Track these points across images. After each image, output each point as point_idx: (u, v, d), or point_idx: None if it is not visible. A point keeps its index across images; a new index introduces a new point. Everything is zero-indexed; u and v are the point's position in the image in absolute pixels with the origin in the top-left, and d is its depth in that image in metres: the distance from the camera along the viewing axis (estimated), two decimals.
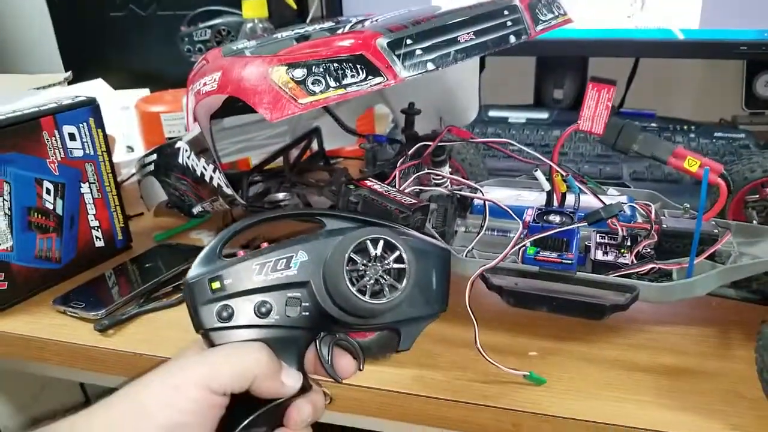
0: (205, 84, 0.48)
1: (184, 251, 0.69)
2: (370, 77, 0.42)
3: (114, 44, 1.19)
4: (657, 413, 0.44)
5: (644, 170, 0.77)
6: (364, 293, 0.37)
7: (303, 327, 0.39)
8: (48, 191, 0.62)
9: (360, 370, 0.42)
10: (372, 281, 0.38)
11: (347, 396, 0.49)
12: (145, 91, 1.11)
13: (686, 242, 0.49)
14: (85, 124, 0.65)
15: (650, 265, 0.48)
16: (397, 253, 0.38)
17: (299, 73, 0.41)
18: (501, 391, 0.47)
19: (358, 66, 0.42)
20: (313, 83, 0.41)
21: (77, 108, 0.65)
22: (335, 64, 0.41)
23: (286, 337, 0.38)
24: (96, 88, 1.13)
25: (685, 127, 0.84)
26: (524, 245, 0.50)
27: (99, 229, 0.68)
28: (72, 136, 0.64)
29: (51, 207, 0.63)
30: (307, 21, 0.63)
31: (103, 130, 0.67)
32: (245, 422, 0.37)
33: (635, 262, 0.49)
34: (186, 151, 0.62)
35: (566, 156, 0.81)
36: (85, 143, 0.65)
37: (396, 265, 0.38)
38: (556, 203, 0.54)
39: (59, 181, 0.63)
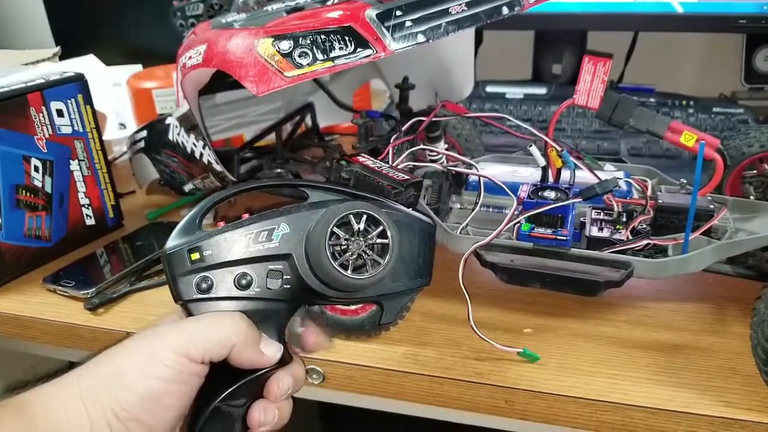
0: (190, 57, 0.47)
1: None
2: (359, 50, 0.41)
3: (106, 19, 1.17)
4: (651, 390, 0.44)
5: (642, 146, 0.76)
6: (346, 268, 0.37)
7: (284, 300, 0.38)
8: (36, 169, 0.61)
9: (329, 344, 0.43)
10: (354, 256, 0.37)
11: (341, 374, 0.49)
12: (137, 67, 1.10)
13: (682, 218, 0.48)
14: (73, 100, 0.64)
15: (645, 241, 0.47)
16: (380, 228, 0.38)
17: (285, 45, 0.40)
18: (495, 368, 0.47)
19: (347, 38, 0.41)
20: (299, 56, 0.40)
21: (65, 84, 0.63)
22: (322, 36, 0.40)
23: (267, 310, 0.38)
24: (87, 64, 1.11)
25: (684, 102, 0.83)
26: (519, 222, 0.50)
27: (89, 207, 0.67)
28: (60, 113, 0.63)
29: (39, 185, 0.62)
30: None
31: (92, 107, 0.66)
32: (225, 393, 0.36)
33: (630, 238, 0.49)
34: (176, 127, 0.61)
35: (564, 132, 0.80)
36: (74, 120, 0.64)
37: (379, 240, 0.38)
38: (551, 179, 0.53)
39: (47, 158, 0.62)
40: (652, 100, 0.85)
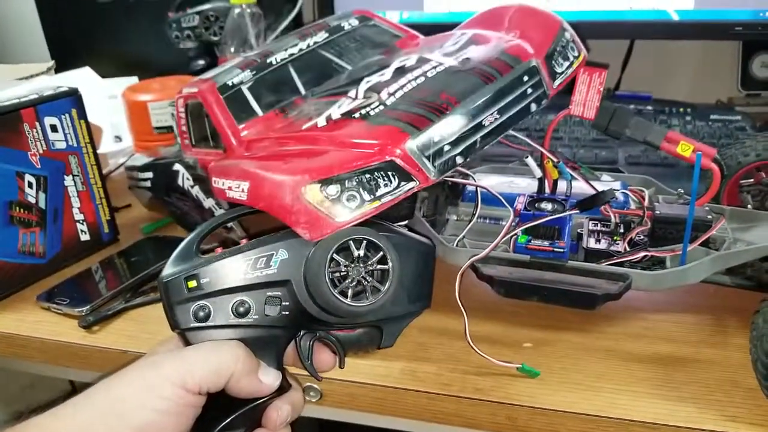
0: (230, 189, 0.46)
1: (173, 244, 0.67)
2: (402, 183, 0.41)
3: (101, 31, 1.17)
4: (652, 405, 0.44)
5: (640, 154, 0.75)
6: (345, 295, 0.36)
7: (282, 326, 0.38)
8: (30, 185, 0.61)
9: (340, 367, 0.42)
10: (354, 283, 0.37)
11: (339, 392, 0.48)
12: (133, 79, 1.10)
13: (680, 228, 0.48)
14: (67, 115, 0.64)
15: (643, 253, 0.47)
16: (380, 254, 0.37)
17: (333, 190, 0.40)
18: (495, 383, 0.46)
19: (390, 174, 0.40)
20: (348, 199, 0.39)
21: (59, 99, 0.63)
22: (367, 175, 0.40)
23: (265, 337, 0.38)
24: (83, 76, 1.11)
25: (681, 110, 0.83)
26: (516, 234, 0.49)
27: (84, 223, 0.67)
28: (54, 128, 0.62)
29: (33, 201, 0.61)
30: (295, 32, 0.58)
31: (86, 121, 0.65)
32: (223, 423, 0.36)
33: (628, 249, 0.48)
34: (188, 179, 0.60)
35: (561, 140, 0.80)
36: (68, 135, 0.64)
37: (379, 267, 0.37)
38: (548, 190, 0.53)
39: (41, 174, 0.62)
40: (649, 107, 0.85)
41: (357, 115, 0.44)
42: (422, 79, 0.46)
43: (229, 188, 0.45)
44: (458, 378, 0.47)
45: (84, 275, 0.64)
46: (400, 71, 0.48)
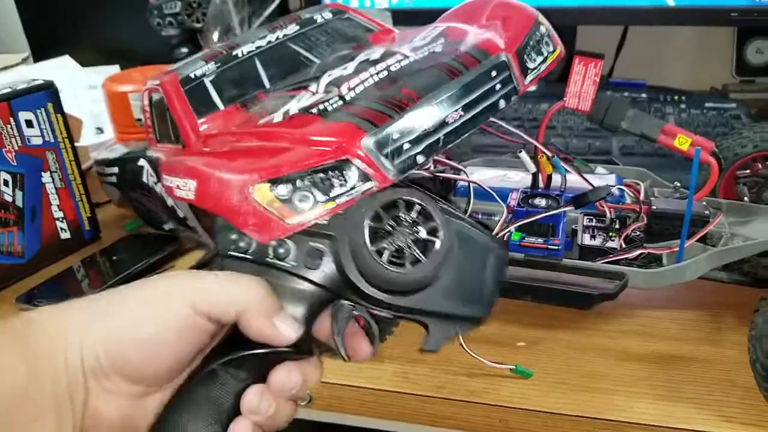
0: (179, 187, 0.43)
1: (157, 241, 0.66)
2: (358, 183, 0.38)
3: (81, 19, 1.14)
4: (649, 405, 0.43)
5: (634, 144, 0.74)
6: (381, 254, 0.34)
7: (319, 284, 0.36)
8: (6, 183, 0.59)
9: (374, 353, 0.38)
10: (393, 247, 0.35)
11: (328, 394, 0.47)
12: (114, 68, 1.07)
13: (677, 224, 0.46)
14: (43, 109, 0.61)
15: (639, 251, 0.46)
16: (431, 225, 0.35)
17: (284, 190, 0.37)
18: (488, 385, 0.45)
19: (345, 173, 0.38)
20: (300, 200, 0.37)
21: (34, 92, 0.61)
22: (321, 175, 0.38)
23: (298, 288, 0.35)
24: (62, 65, 1.08)
25: (676, 98, 0.82)
26: (509, 231, 0.48)
27: (64, 221, 0.65)
28: (29, 123, 0.60)
29: (10, 199, 0.59)
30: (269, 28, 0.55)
31: (63, 115, 0.63)
32: (227, 358, 0.33)
33: (624, 246, 0.47)
34: (152, 176, 0.58)
35: (554, 130, 0.78)
36: (44, 130, 0.61)
37: (426, 237, 0.35)
38: (542, 185, 0.51)
39: (17, 171, 0.60)
40: (644, 95, 0.83)
41: (314, 110, 0.42)
42: (384, 73, 0.44)
43: (177, 187, 0.43)
44: (451, 380, 0.46)
45: (65, 275, 0.62)
46: (364, 65, 0.46)
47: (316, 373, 0.37)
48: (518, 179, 0.55)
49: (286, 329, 0.34)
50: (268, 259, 0.35)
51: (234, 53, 0.52)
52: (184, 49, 0.99)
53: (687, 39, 1.01)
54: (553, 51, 0.47)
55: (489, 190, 0.50)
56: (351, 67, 0.46)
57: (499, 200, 0.49)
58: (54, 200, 0.64)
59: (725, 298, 0.51)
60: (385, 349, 0.49)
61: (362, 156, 0.38)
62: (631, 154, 0.74)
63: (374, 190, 0.39)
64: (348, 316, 0.37)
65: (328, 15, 0.56)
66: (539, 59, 0.46)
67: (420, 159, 0.40)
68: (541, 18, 0.48)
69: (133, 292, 0.33)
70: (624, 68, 0.96)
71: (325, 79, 0.46)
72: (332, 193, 0.38)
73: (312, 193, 0.37)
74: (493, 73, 0.43)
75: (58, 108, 0.63)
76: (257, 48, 0.52)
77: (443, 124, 0.40)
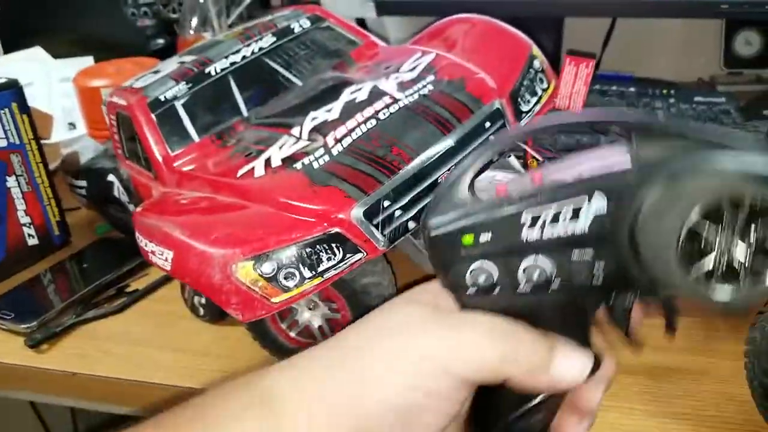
0: (153, 253, 0.41)
1: (129, 246, 0.62)
2: (348, 256, 0.36)
3: (53, 8, 1.09)
4: (643, 422, 0.41)
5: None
6: (709, 277, 0.24)
7: (590, 294, 0.28)
8: None
9: (671, 334, 0.30)
10: (723, 264, 0.24)
11: None
12: (88, 60, 1.03)
13: None
14: (6, 109, 0.58)
15: None
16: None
17: (268, 268, 0.35)
18: None
19: (334, 245, 0.36)
20: (285, 278, 0.35)
21: None
22: (308, 249, 0.36)
23: (567, 310, 0.28)
24: (33, 57, 1.04)
25: (665, 91, 0.80)
26: None
27: (31, 226, 0.62)
28: None
29: None
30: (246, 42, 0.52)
31: (29, 115, 0.60)
32: (511, 417, 0.29)
33: None
34: (123, 194, 0.55)
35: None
36: (9, 131, 0.58)
37: None
38: None
39: None
40: (632, 89, 0.81)
41: (299, 165, 0.40)
42: (373, 122, 0.41)
43: (153, 253, 0.41)
44: None
45: (32, 284, 0.59)
46: (350, 108, 0.43)
47: (612, 366, 0.31)
48: (506, 182, 0.53)
49: (573, 370, 0.27)
50: (522, 289, 0.27)
51: (206, 71, 0.48)
52: (160, 40, 0.96)
53: (674, 30, 0.99)
54: (548, 88, 0.44)
55: None
56: (336, 109, 0.43)
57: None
58: (20, 205, 0.60)
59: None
60: None
61: (352, 227, 0.36)
62: None
63: (362, 262, 0.36)
64: (629, 304, 0.29)
65: (306, 23, 0.53)
66: (533, 100, 0.43)
67: (411, 225, 0.38)
68: (535, 50, 0.45)
69: (380, 363, 0.27)
70: (609, 59, 0.94)
71: (308, 124, 0.43)
72: (320, 268, 0.36)
73: (298, 270, 0.35)
74: (487, 124, 0.41)
75: (24, 107, 0.59)
76: (231, 65, 0.49)
77: (435, 185, 0.38)
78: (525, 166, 0.48)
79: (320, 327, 0.44)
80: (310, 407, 0.27)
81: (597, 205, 0.25)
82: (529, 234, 0.26)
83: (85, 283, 0.58)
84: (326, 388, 0.27)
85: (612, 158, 0.26)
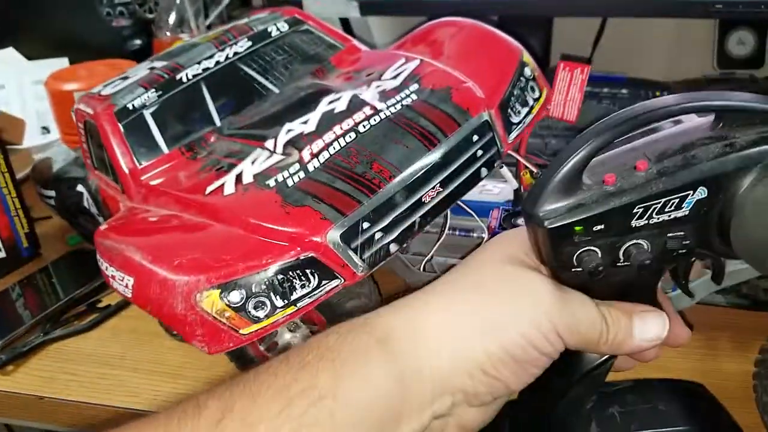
0: (114, 278, 0.38)
1: None
2: (323, 282, 0.34)
3: (26, 8, 1.06)
4: None
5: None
6: None
7: (672, 261, 0.31)
8: None
9: (717, 283, 0.33)
10: None
11: None
12: (63, 61, 1.00)
13: None
14: None
15: None
16: None
17: (236, 297, 0.33)
18: None
19: (308, 271, 0.33)
20: (255, 307, 0.33)
21: None
22: (280, 276, 0.33)
23: (647, 276, 0.30)
24: (6, 59, 1.00)
25: (658, 93, 0.78)
26: None
27: None
28: None
29: None
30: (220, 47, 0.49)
31: None
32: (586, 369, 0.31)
33: None
34: (92, 206, 0.52)
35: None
36: None
37: None
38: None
39: None
40: (624, 90, 0.79)
41: (272, 182, 0.37)
42: (352, 135, 0.38)
43: (113, 278, 0.38)
44: None
45: (0, 298, 0.56)
46: (328, 118, 0.40)
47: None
48: (497, 192, 0.51)
49: (652, 331, 0.30)
50: (620, 264, 0.29)
51: (178, 77, 0.45)
52: (137, 41, 0.93)
53: (666, 30, 0.97)
54: (539, 97, 0.42)
55: (466, 207, 0.45)
56: (313, 120, 0.40)
57: (477, 219, 0.45)
58: None
59: (717, 320, 0.48)
60: None
61: (328, 252, 0.34)
62: None
63: (339, 288, 0.34)
64: (691, 260, 0.32)
65: (284, 27, 0.50)
66: (524, 111, 0.41)
67: (393, 248, 0.35)
68: (526, 56, 0.43)
69: (507, 316, 0.28)
70: (599, 60, 0.92)
71: (283, 136, 0.40)
72: (293, 297, 0.33)
73: (269, 299, 0.33)
74: (475, 138, 0.38)
75: None
76: (204, 71, 0.46)
77: (419, 204, 0.36)
78: (518, 178, 0.46)
79: None
80: (433, 350, 0.28)
81: (700, 194, 0.28)
82: (638, 222, 0.28)
83: (55, 299, 0.55)
84: (456, 329, 0.28)
85: (705, 139, 0.29)
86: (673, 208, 0.28)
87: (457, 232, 0.49)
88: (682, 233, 0.29)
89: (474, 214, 0.45)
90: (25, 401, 0.46)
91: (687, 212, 0.29)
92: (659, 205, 0.28)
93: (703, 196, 0.28)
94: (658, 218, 0.28)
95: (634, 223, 0.28)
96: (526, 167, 0.45)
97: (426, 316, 0.28)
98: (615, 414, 0.32)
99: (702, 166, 0.28)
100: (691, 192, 0.28)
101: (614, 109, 0.46)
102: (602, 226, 0.28)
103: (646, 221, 0.28)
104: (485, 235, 0.44)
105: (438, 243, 0.46)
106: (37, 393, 0.46)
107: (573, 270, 0.29)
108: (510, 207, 0.47)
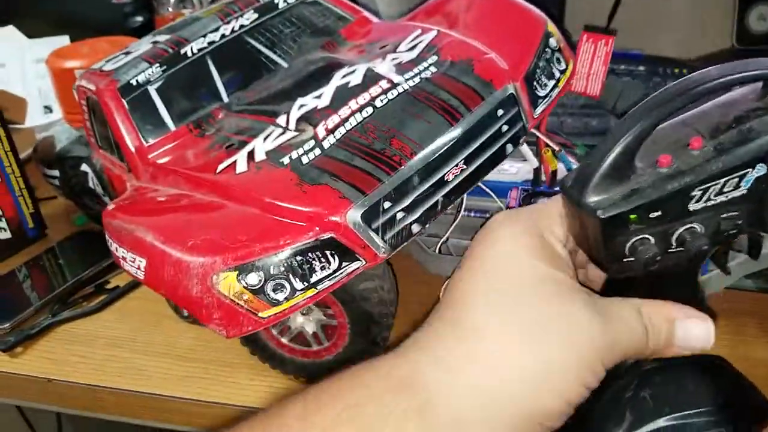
0: (125, 260, 0.36)
1: None
2: (344, 264, 0.32)
3: None
4: None
5: None
6: None
7: (720, 243, 0.29)
8: None
9: (754, 258, 0.32)
10: None
11: None
12: (64, 39, 0.97)
13: None
14: None
15: None
16: None
17: (254, 279, 0.31)
18: None
19: (328, 253, 0.32)
20: (274, 290, 0.31)
21: None
22: (299, 258, 0.31)
23: (697, 261, 0.29)
24: (6, 37, 0.98)
25: (677, 70, 0.76)
26: None
27: (3, 219, 0.57)
28: None
29: None
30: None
31: None
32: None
33: None
34: (97, 185, 0.50)
35: None
36: None
37: None
38: (544, 179, 0.45)
39: None
40: (641, 67, 0.77)
41: (286, 160, 0.35)
42: (369, 110, 0.36)
43: (124, 259, 0.36)
44: None
45: (6, 280, 0.55)
46: (342, 93, 0.38)
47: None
48: (514, 171, 0.49)
49: (699, 339, 0.28)
50: (671, 250, 0.27)
51: (182, 51, 0.44)
52: (139, 18, 0.91)
53: (683, 4, 0.94)
54: (566, 69, 0.40)
55: (484, 187, 0.43)
56: (327, 94, 0.38)
57: (497, 199, 0.43)
58: None
59: (743, 305, 0.46)
60: None
61: (348, 232, 0.32)
62: None
63: (361, 270, 0.33)
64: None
65: None
66: (551, 84, 0.39)
67: (415, 228, 0.34)
68: (551, 25, 0.41)
69: (544, 349, 0.25)
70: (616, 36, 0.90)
71: (295, 112, 0.38)
72: (313, 279, 0.32)
73: (288, 281, 0.31)
74: (500, 112, 0.36)
75: None
76: (209, 44, 0.44)
77: (442, 183, 0.34)
78: (538, 156, 0.44)
79: (314, 333, 0.40)
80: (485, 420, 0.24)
81: (759, 171, 0.27)
82: (695, 205, 0.27)
83: (62, 280, 0.54)
84: (506, 391, 0.25)
85: (758, 110, 0.27)
86: (732, 188, 0.27)
87: (473, 213, 0.47)
88: (736, 213, 0.27)
89: (493, 194, 0.43)
90: (35, 383, 0.45)
91: (745, 191, 0.27)
92: (719, 186, 0.27)
93: (763, 172, 0.26)
94: (716, 200, 0.27)
95: (691, 206, 0.27)
96: (547, 145, 0.43)
97: (477, 376, 0.25)
98: (646, 398, 0.30)
99: (761, 141, 0.26)
100: (750, 170, 0.26)
101: (636, 84, 0.45)
102: (659, 213, 0.26)
103: (704, 204, 0.27)
104: None
105: (454, 224, 0.45)
106: (46, 375, 0.45)
107: (625, 260, 0.27)
108: (529, 187, 0.45)
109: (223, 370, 0.44)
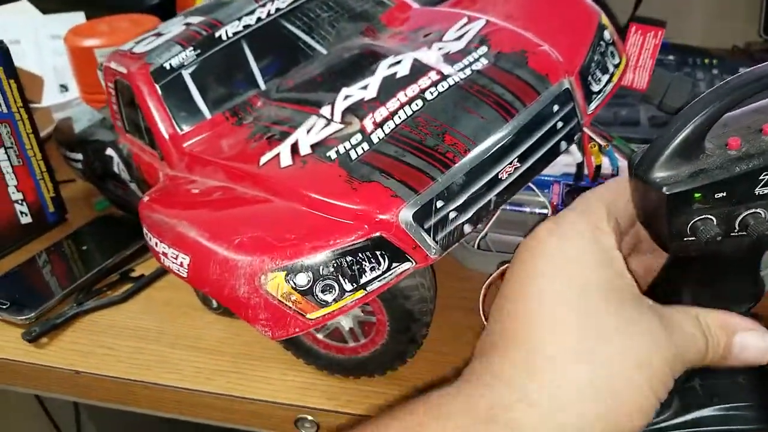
0: (166, 256, 0.35)
1: (134, 225, 0.57)
2: (394, 265, 0.31)
3: None
4: None
5: (664, 115, 0.67)
6: None
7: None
8: None
9: None
10: None
11: (334, 423, 0.41)
12: (79, 16, 0.95)
13: None
14: None
15: None
16: None
17: (303, 279, 0.30)
18: None
19: (378, 253, 0.31)
20: (323, 291, 0.30)
21: None
22: (348, 258, 0.30)
23: (761, 250, 0.28)
24: (20, 11, 0.96)
25: (706, 61, 0.74)
26: None
27: (23, 203, 0.56)
28: None
29: None
30: None
31: (17, 81, 0.54)
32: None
33: None
34: (123, 171, 0.49)
35: None
36: None
37: None
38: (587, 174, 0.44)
39: None
40: (670, 57, 0.75)
41: (332, 154, 0.34)
42: (419, 103, 0.35)
43: (164, 255, 0.35)
44: None
45: (27, 267, 0.54)
46: (390, 84, 0.37)
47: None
48: (555, 165, 0.48)
49: (757, 353, 0.28)
50: (733, 233, 0.27)
51: (217, 35, 0.42)
52: None
53: None
54: (619, 63, 0.38)
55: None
56: (373, 85, 0.37)
57: (539, 193, 0.42)
58: (11, 180, 0.55)
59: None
60: (402, 369, 0.42)
61: (399, 232, 0.31)
62: (660, 125, 0.67)
63: (410, 272, 0.32)
64: None
65: None
66: (605, 79, 0.37)
67: (467, 229, 0.33)
68: (605, 18, 0.39)
69: (598, 371, 0.25)
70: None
71: (340, 103, 0.37)
72: (362, 280, 0.31)
73: (338, 282, 0.30)
74: (555, 108, 0.35)
75: (11, 72, 0.53)
76: (245, 28, 0.43)
77: (495, 181, 0.33)
78: (582, 150, 0.43)
79: (351, 329, 0.40)
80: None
81: None
82: (762, 189, 0.27)
83: (85, 268, 0.53)
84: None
85: None
86: None
87: (508, 206, 0.46)
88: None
89: (536, 189, 0.42)
90: (61, 375, 0.45)
91: None
92: None
93: None
94: None
95: (758, 190, 0.26)
96: (592, 139, 0.42)
97: (557, 411, 0.24)
98: (696, 387, 0.30)
99: None
100: None
101: (680, 77, 0.43)
102: (724, 194, 0.26)
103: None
104: (548, 212, 0.42)
105: (493, 219, 0.44)
106: (74, 367, 0.44)
107: (685, 239, 0.27)
108: (571, 182, 0.44)
109: (253, 364, 0.43)
